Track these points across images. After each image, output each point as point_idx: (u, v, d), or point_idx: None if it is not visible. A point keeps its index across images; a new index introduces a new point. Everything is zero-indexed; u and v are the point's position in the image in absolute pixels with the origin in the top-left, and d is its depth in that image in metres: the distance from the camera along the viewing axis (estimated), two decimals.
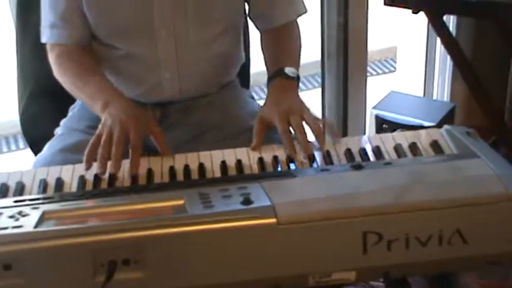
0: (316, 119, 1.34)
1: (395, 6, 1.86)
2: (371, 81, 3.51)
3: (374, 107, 2.36)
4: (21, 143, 3.36)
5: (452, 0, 1.82)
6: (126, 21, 1.44)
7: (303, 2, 1.57)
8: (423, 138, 1.31)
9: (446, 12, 1.95)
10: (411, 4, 1.85)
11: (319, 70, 2.49)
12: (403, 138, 1.32)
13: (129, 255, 1.03)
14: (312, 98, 2.63)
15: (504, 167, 1.15)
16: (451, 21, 2.47)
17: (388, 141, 1.32)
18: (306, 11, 1.58)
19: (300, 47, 1.55)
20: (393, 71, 3.58)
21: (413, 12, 1.85)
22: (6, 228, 1.04)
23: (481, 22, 2.37)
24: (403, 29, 2.72)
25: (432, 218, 1.07)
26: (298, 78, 1.46)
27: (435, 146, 1.28)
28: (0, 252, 1.01)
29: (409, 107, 2.32)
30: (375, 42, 3.87)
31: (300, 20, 1.58)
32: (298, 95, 1.43)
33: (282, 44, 1.54)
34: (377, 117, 2.27)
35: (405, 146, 1.29)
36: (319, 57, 2.43)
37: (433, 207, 1.07)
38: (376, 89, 2.63)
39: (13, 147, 3.40)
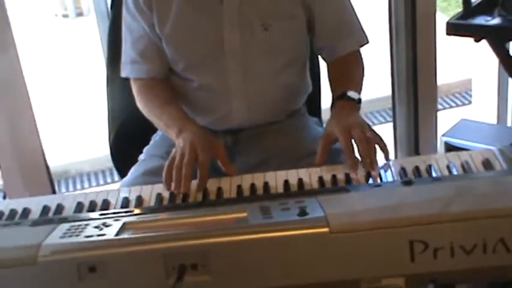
0: (376, 134, 1.44)
1: (458, 35, 1.94)
2: (447, 113, 3.56)
3: (443, 135, 2.42)
4: (116, 176, 3.60)
5: None
6: (200, 55, 1.59)
7: (364, 33, 1.68)
8: (475, 157, 1.38)
9: (509, 39, 2.01)
10: (474, 33, 1.92)
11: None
12: (456, 157, 1.40)
13: (197, 260, 1.15)
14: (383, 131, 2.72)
15: None
16: None
17: (442, 160, 1.40)
18: (367, 42, 1.68)
19: (363, 74, 1.66)
20: (469, 103, 3.60)
21: (475, 41, 1.92)
22: (91, 236, 1.20)
23: None
24: (477, 61, 2.77)
25: (475, 227, 1.14)
26: (359, 101, 1.57)
27: (486, 163, 1.35)
28: (86, 256, 1.16)
29: (479, 134, 2.37)
30: (451, 75, 3.93)
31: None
32: (359, 114, 1.53)
33: (345, 72, 1.65)
34: (446, 144, 2.33)
35: (458, 164, 1.37)
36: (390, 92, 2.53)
37: (476, 217, 1.15)
38: (452, 120, 2.67)
39: (109, 180, 3.64)
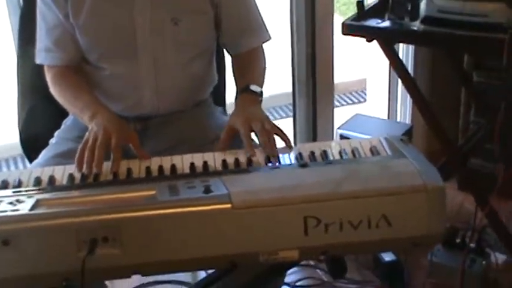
0: (274, 126, 1.56)
1: (352, 35, 2.10)
2: (345, 110, 3.76)
3: (339, 127, 2.59)
4: (21, 164, 3.57)
5: (402, 30, 2.05)
6: (112, 46, 1.66)
7: (267, 31, 1.80)
8: (364, 145, 1.52)
9: (397, 41, 2.18)
10: (366, 34, 2.08)
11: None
12: (347, 144, 1.54)
13: (108, 234, 1.23)
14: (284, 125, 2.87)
15: (425, 165, 1.37)
16: (410, 52, 2.72)
17: (335, 147, 1.53)
18: (270, 38, 1.80)
19: (265, 68, 1.78)
20: (365, 101, 3.82)
21: (367, 41, 2.07)
22: (5, 211, 1.25)
23: (437, 53, 2.61)
24: (372, 62, 2.95)
25: (362, 205, 1.28)
26: (261, 94, 1.68)
27: (374, 150, 1.49)
28: (0, 230, 1.22)
29: (371, 127, 2.55)
30: (349, 75, 4.14)
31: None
32: (260, 107, 1.65)
33: (249, 66, 1.76)
34: (341, 137, 2.50)
35: (348, 150, 1.51)
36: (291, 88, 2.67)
37: (362, 195, 1.29)
38: (349, 116, 2.85)
39: (12, 168, 3.60)
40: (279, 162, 1.46)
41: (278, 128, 1.55)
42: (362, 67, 3.68)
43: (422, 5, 1.97)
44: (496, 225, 2.17)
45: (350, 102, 4.09)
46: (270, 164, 1.45)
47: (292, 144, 1.53)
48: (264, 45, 1.82)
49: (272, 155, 1.47)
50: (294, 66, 2.57)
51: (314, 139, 2.66)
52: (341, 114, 2.89)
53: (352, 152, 1.49)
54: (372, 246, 1.34)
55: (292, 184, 1.32)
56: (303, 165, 1.41)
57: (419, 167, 1.36)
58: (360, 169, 1.39)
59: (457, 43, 1.99)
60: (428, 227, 1.31)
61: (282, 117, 3.84)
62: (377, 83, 2.98)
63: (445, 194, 1.31)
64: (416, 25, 2.02)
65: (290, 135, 2.66)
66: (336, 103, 4.05)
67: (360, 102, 4.01)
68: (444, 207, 1.33)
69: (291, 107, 2.89)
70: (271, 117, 1.74)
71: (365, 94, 3.79)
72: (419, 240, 1.33)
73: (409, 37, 2.14)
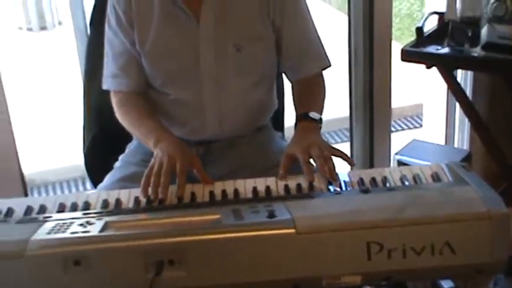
0: (333, 149, 1.58)
1: (411, 62, 2.11)
2: (401, 135, 3.74)
3: (396, 153, 2.58)
4: (81, 186, 3.66)
5: (462, 56, 2.05)
6: (177, 72, 1.71)
7: (327, 57, 1.82)
8: (425, 171, 1.53)
9: (457, 67, 2.18)
10: (425, 60, 2.09)
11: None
12: (408, 170, 1.55)
13: (174, 256, 1.27)
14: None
15: (488, 192, 1.37)
16: (468, 77, 2.71)
17: (396, 173, 1.54)
18: (330, 65, 1.83)
19: (324, 95, 1.80)
20: (421, 126, 3.79)
21: (426, 67, 2.08)
22: (77, 232, 1.30)
23: (496, 78, 2.59)
24: (428, 87, 2.94)
25: (425, 231, 1.29)
26: (320, 121, 1.70)
27: (435, 176, 1.50)
28: (72, 250, 1.26)
29: (428, 153, 2.53)
30: (405, 99, 4.13)
31: (332, 77, 1.81)
32: (319, 134, 1.67)
33: (308, 93, 1.79)
34: (399, 162, 2.49)
35: (409, 176, 1.52)
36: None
37: (425, 222, 1.29)
38: (405, 141, 2.84)
39: (74, 190, 3.69)
40: (341, 188, 1.48)
41: (337, 150, 1.58)
42: (418, 91, 3.67)
43: (483, 31, 1.97)
44: None
45: (406, 127, 4.08)
46: (332, 190, 1.47)
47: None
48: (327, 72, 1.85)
49: (332, 179, 1.49)
50: (352, 91, 2.59)
51: (371, 164, 2.66)
52: (397, 139, 2.88)
53: (414, 178, 1.50)
54: (435, 272, 1.34)
55: (355, 210, 1.34)
56: (365, 191, 1.43)
57: (482, 193, 1.36)
58: (422, 195, 1.40)
59: None
60: (492, 255, 1.31)
61: (337, 142, 3.84)
62: (434, 108, 2.97)
63: (509, 221, 1.30)
64: (476, 51, 2.02)
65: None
66: (392, 128, 4.06)
67: (415, 127, 4.00)
68: (508, 234, 1.32)
69: (347, 132, 2.90)
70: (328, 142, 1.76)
71: (421, 119, 3.77)
72: (482, 267, 1.33)
73: (469, 63, 2.14)
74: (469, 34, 2.04)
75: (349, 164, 1.54)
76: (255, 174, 1.59)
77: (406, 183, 1.48)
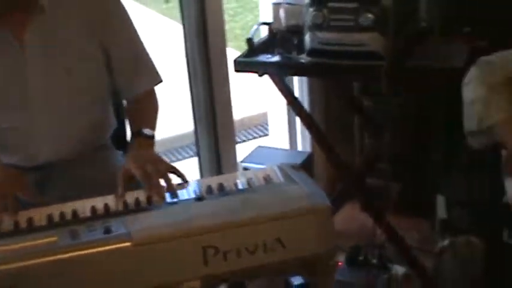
0: (168, 165, 1.63)
1: (244, 71, 2.20)
2: (250, 144, 3.84)
3: (241, 161, 2.68)
4: None
5: (290, 63, 2.17)
6: (5, 99, 1.69)
7: (157, 73, 1.86)
8: (259, 174, 1.61)
9: (286, 74, 2.31)
10: (257, 69, 2.19)
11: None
12: (242, 176, 1.63)
13: (16, 282, 1.26)
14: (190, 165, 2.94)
15: (314, 190, 1.47)
16: (304, 82, 2.85)
17: (231, 179, 1.61)
18: (161, 81, 1.86)
19: (157, 110, 1.85)
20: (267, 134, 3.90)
21: (259, 76, 2.18)
22: None
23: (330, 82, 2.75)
24: (271, 95, 3.05)
25: (256, 231, 1.36)
26: (153, 137, 1.75)
27: (267, 178, 1.58)
28: None
29: (272, 158, 2.64)
30: (251, 109, 4.25)
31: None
32: (153, 150, 1.72)
33: (141, 110, 1.83)
34: (245, 169, 2.58)
35: (244, 181, 1.59)
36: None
37: (255, 222, 1.37)
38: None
39: None
40: (178, 198, 1.53)
41: (172, 166, 1.63)
42: (264, 100, 3.79)
43: (307, 39, 2.09)
44: (394, 240, 2.30)
45: (256, 135, 4.19)
46: (168, 201, 1.52)
47: None
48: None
49: (169, 191, 1.53)
50: (194, 105, 2.64)
51: (219, 173, 2.72)
52: (247, 149, 2.97)
53: (248, 182, 1.58)
54: (270, 269, 1.42)
55: (189, 217, 1.39)
56: (200, 199, 1.49)
57: (308, 190, 1.45)
58: (253, 197, 1.48)
59: (338, 72, 2.13)
60: (320, 246, 1.40)
61: (186, 158, 3.85)
62: (277, 114, 3.09)
63: (331, 213, 1.41)
64: (303, 58, 2.14)
65: (196, 174, 2.75)
66: (243, 137, 4.16)
67: (266, 135, 4.12)
68: (332, 225, 1.42)
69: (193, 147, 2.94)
70: (175, 158, 1.79)
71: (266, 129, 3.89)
72: (313, 259, 1.42)
73: (297, 70, 2.27)
74: (295, 42, 2.16)
75: (183, 180, 1.59)
76: (96, 193, 1.59)
77: (240, 187, 1.56)
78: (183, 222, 1.37)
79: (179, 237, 1.33)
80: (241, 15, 6.34)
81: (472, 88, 1.50)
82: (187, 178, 1.60)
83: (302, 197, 1.43)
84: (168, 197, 1.53)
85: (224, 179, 1.62)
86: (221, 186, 1.56)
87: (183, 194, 1.55)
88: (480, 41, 2.06)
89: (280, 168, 1.62)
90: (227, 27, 2.69)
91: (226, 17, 2.70)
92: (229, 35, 2.76)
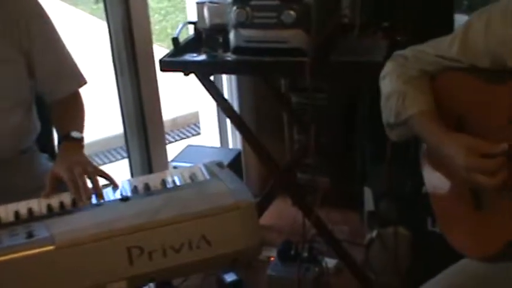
0: (97, 168, 1.63)
1: (170, 71, 2.20)
2: (183, 143, 3.83)
3: (171, 160, 2.68)
4: None
5: (216, 62, 2.17)
6: None
7: (82, 75, 1.85)
8: (185, 173, 1.62)
9: (212, 72, 2.31)
10: (183, 68, 2.19)
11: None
12: (168, 175, 1.63)
13: None
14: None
15: (238, 186, 1.48)
16: (233, 81, 2.86)
17: (158, 178, 1.61)
18: (85, 82, 1.85)
19: (83, 112, 1.83)
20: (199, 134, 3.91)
21: (185, 75, 2.18)
22: None
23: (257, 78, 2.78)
24: (202, 95, 3.05)
25: (181, 229, 1.37)
26: (82, 139, 1.74)
27: (193, 176, 1.59)
28: None
29: (202, 156, 2.65)
30: (184, 109, 4.24)
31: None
32: (82, 153, 1.71)
33: (68, 113, 1.81)
34: (175, 168, 2.58)
35: (169, 180, 1.59)
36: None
37: (179, 220, 1.37)
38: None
39: None
40: (103, 199, 1.52)
41: (100, 170, 1.63)
42: (195, 100, 3.80)
43: (231, 37, 2.10)
44: (323, 233, 2.33)
45: (189, 135, 4.19)
46: (93, 203, 1.51)
47: None
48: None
49: (96, 193, 1.52)
50: (122, 106, 2.62)
51: (150, 172, 2.71)
52: (179, 148, 2.97)
53: (174, 181, 1.58)
54: (196, 267, 1.42)
55: (113, 218, 1.38)
56: (125, 199, 1.48)
57: (232, 187, 1.47)
58: (178, 196, 1.48)
59: (263, 69, 2.15)
60: (245, 241, 1.42)
61: (117, 160, 3.77)
62: (208, 113, 3.10)
63: (255, 209, 1.42)
64: (229, 56, 2.15)
65: (127, 176, 2.73)
66: (176, 137, 4.16)
67: (198, 134, 4.13)
68: (257, 221, 1.44)
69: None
70: (108, 160, 1.78)
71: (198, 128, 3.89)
72: (239, 254, 1.43)
73: (223, 68, 2.28)
74: (220, 40, 2.16)
75: (112, 183, 1.59)
76: (20, 197, 1.57)
77: (167, 186, 1.56)
78: (107, 223, 1.36)
79: (103, 239, 1.32)
80: (172, 15, 6.32)
81: (388, 82, 1.53)
82: (117, 182, 1.61)
83: (226, 193, 1.44)
84: (93, 199, 1.53)
85: (151, 178, 1.62)
86: (147, 186, 1.56)
87: (109, 195, 1.55)
88: (399, 36, 2.11)
89: (206, 166, 1.63)
90: (159, 26, 2.68)
91: (158, 17, 2.69)
92: (161, 35, 2.75)
